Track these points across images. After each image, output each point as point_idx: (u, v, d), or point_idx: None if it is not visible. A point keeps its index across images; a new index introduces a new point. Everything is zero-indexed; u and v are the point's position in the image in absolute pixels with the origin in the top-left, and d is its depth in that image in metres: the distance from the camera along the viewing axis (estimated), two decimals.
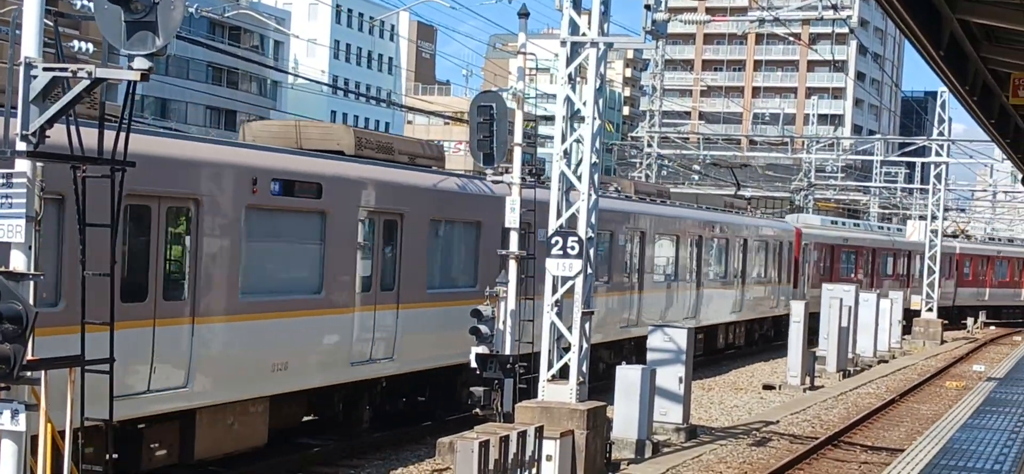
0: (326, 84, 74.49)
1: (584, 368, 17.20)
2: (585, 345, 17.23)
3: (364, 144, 18.28)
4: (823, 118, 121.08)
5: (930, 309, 47.70)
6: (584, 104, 17.27)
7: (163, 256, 13.87)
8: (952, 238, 59.46)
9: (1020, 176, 24.66)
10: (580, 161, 17.43)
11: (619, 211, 26.29)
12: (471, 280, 20.23)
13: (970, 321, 56.79)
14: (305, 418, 18.05)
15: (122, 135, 9.03)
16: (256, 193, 15.05)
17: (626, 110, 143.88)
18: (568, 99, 17.44)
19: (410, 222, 18.40)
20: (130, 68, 8.88)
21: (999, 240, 74.43)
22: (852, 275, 46.45)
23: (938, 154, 49.60)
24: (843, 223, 53.59)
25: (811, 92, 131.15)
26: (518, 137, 18.86)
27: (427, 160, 19.77)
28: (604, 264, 24.86)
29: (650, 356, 19.97)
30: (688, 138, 75.89)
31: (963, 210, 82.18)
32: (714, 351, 33.94)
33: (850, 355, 32.59)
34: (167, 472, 14.47)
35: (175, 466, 14.53)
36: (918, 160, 59.68)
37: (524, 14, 19.05)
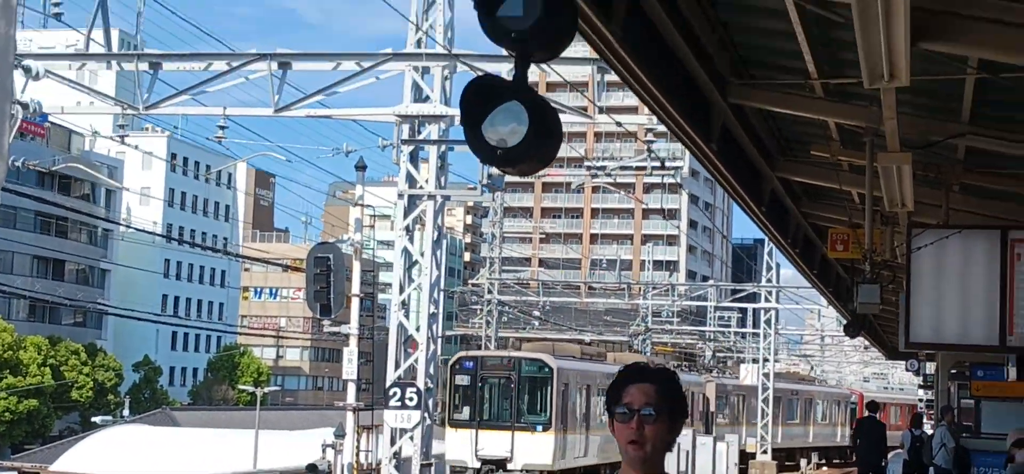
0: (159, 234, 73.18)
1: None
2: None
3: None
4: (659, 264, 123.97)
5: (765, 451, 48.51)
6: (422, 255, 17.35)
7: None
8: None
9: (844, 323, 25.55)
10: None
11: None
12: None
13: (804, 462, 58.01)
14: None
15: None
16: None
17: (467, 256, 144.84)
18: (405, 250, 17.50)
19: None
20: None
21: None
22: None
23: (767, 300, 51.20)
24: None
25: (647, 239, 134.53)
26: (355, 288, 18.80)
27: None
28: None
29: None
30: (528, 284, 76.65)
31: (795, 354, 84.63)
32: None
33: None
34: None
35: None
36: (749, 306, 61.41)
37: (361, 167, 19.15)
